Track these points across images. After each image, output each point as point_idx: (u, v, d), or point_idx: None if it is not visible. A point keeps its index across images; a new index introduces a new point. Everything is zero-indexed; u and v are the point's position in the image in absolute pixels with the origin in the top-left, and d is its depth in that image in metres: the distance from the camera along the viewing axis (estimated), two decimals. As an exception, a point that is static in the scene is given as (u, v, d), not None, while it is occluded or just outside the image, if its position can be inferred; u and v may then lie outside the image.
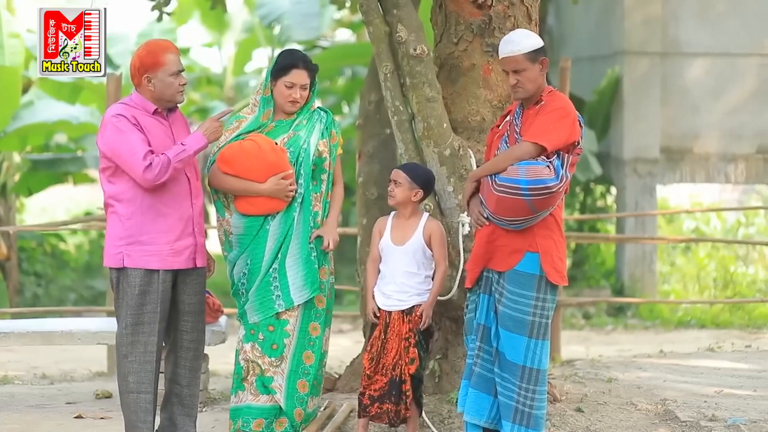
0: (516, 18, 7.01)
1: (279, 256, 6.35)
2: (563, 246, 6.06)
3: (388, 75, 6.93)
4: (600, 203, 17.36)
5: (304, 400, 6.42)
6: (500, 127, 6.20)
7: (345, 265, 16.14)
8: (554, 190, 5.81)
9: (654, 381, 8.43)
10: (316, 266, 6.40)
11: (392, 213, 6.52)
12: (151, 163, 5.86)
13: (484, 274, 6.08)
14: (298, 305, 6.37)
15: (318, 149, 6.43)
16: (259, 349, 6.39)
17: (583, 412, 7.18)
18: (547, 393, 7.23)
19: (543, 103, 6.00)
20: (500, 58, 6.08)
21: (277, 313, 6.37)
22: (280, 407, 6.38)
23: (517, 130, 6.00)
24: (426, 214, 6.50)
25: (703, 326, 14.31)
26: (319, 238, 6.41)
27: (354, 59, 18.35)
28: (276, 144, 6.34)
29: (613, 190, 16.85)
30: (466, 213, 6.41)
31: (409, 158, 6.87)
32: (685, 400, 7.59)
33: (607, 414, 7.20)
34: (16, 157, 16.75)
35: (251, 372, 6.41)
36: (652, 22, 15.84)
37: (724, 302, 14.31)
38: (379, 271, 6.49)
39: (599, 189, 17.24)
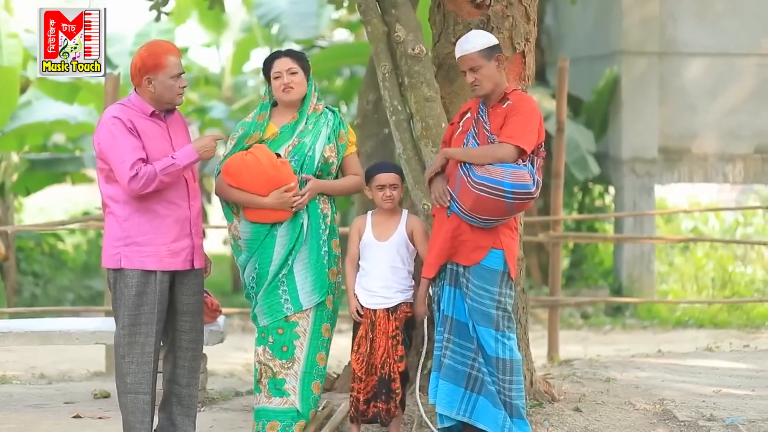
0: (514, 17, 7.00)
1: (289, 261, 6.35)
2: (518, 244, 6.32)
3: (387, 75, 6.93)
4: (598, 203, 17.37)
5: (317, 401, 6.46)
6: (461, 124, 6.29)
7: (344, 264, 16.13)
8: (534, 195, 6.03)
9: (652, 381, 8.43)
10: (327, 270, 6.41)
11: (370, 211, 6.54)
12: (137, 174, 5.83)
13: (448, 266, 6.20)
14: (310, 307, 6.39)
15: (324, 155, 6.42)
16: (270, 351, 6.39)
17: (581, 411, 7.18)
18: (545, 392, 7.27)
19: (510, 102, 6.15)
20: (457, 58, 6.23)
21: (286, 316, 6.38)
22: (297, 410, 6.39)
23: (487, 128, 6.09)
24: (405, 211, 6.53)
25: (701, 326, 14.31)
26: (330, 240, 6.44)
27: (352, 59, 18.34)
28: (278, 157, 6.33)
29: (611, 189, 16.85)
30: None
31: (407, 158, 6.87)
32: (684, 399, 7.59)
33: (606, 414, 7.20)
34: (14, 157, 16.75)
35: (264, 375, 6.42)
36: (650, 21, 15.85)
37: (722, 302, 14.31)
38: (358, 268, 6.50)
39: (597, 189, 17.25)
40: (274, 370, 6.38)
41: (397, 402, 6.33)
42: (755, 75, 15.99)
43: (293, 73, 6.42)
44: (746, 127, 15.96)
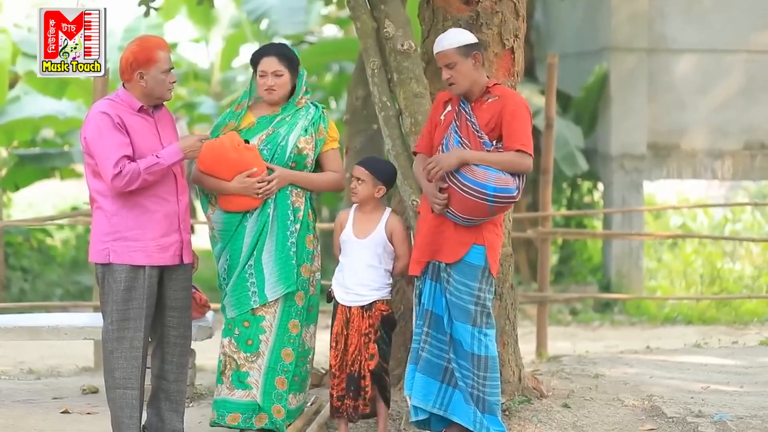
0: (503, 14, 7.00)
1: (255, 252, 6.37)
2: (501, 240, 6.33)
3: (376, 71, 6.93)
4: (587, 199, 17.36)
5: (283, 396, 6.43)
6: (442, 118, 6.29)
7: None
8: (516, 199, 6.06)
9: (641, 377, 8.44)
10: (294, 262, 6.39)
11: (354, 206, 6.55)
12: (120, 171, 5.83)
13: (430, 262, 6.22)
14: (277, 302, 6.38)
15: (297, 146, 6.43)
16: (235, 344, 6.42)
17: (569, 407, 7.18)
18: (534, 389, 7.28)
19: (496, 97, 6.17)
20: (434, 55, 6.24)
21: (253, 309, 6.39)
22: (258, 403, 6.39)
23: (474, 122, 6.11)
24: (388, 209, 6.54)
25: (689, 322, 14.32)
26: (303, 235, 6.43)
27: (341, 55, 18.34)
28: (245, 142, 6.36)
29: (600, 186, 16.85)
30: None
31: (396, 154, 6.88)
32: (672, 396, 7.60)
33: (594, 410, 7.21)
34: (3, 152, 16.73)
35: (228, 366, 6.44)
36: (639, 18, 15.85)
37: (710, 298, 14.33)
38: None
39: (586, 185, 17.24)
40: (238, 363, 6.41)
41: (367, 400, 6.32)
42: (744, 71, 15.99)
43: (278, 76, 6.43)
44: (735, 124, 15.97)
